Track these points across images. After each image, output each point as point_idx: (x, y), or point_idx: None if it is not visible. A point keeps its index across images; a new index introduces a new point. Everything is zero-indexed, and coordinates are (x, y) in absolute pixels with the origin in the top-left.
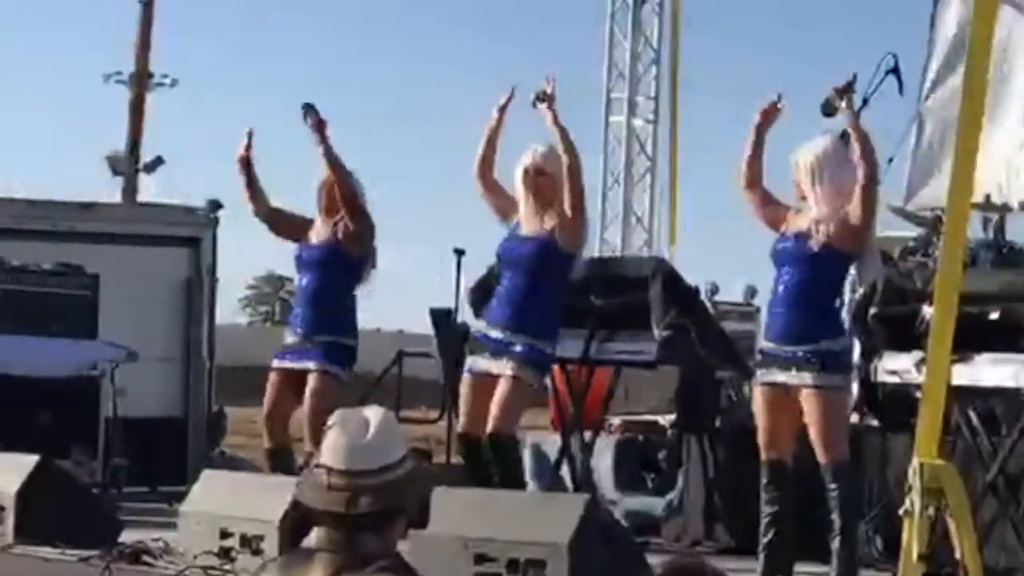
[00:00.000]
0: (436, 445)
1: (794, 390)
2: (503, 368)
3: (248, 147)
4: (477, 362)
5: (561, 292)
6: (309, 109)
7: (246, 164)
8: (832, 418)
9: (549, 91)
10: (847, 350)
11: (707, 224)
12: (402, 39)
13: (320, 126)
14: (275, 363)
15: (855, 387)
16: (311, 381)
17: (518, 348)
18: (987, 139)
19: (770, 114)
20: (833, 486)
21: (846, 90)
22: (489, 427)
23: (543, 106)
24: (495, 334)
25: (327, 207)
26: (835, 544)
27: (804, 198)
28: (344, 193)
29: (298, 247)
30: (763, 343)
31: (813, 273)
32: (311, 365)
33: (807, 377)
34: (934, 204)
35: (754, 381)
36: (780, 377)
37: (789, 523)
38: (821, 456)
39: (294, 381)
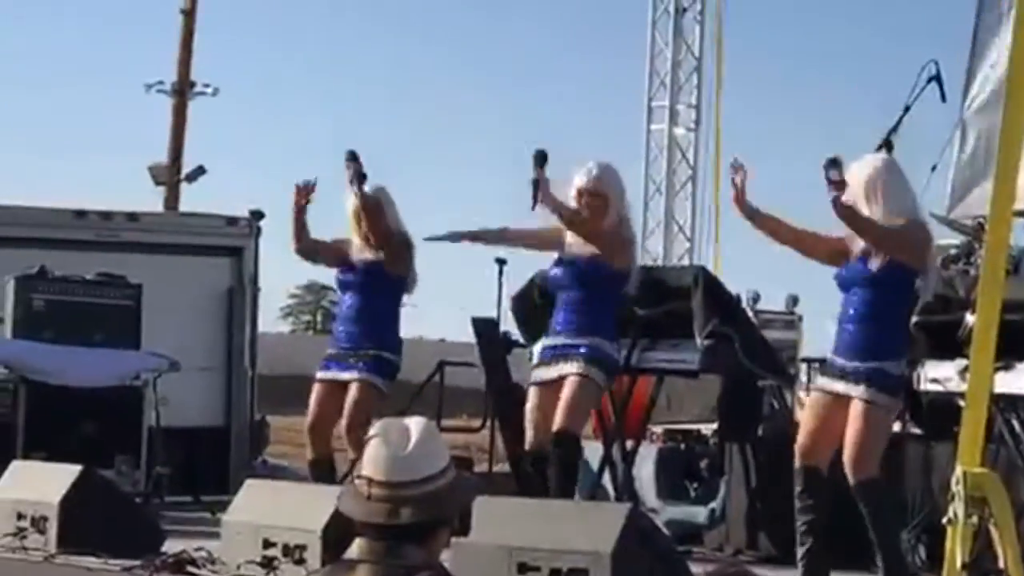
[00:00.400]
0: (477, 453)
1: (845, 400)
2: (568, 368)
3: (307, 200)
4: (539, 372)
5: (614, 301)
6: (352, 159)
7: (301, 212)
8: (872, 432)
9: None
10: (904, 378)
11: (749, 231)
12: (446, 46)
13: (358, 178)
14: (319, 374)
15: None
16: (352, 390)
17: (582, 348)
18: None
19: (739, 184)
20: (861, 503)
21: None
22: (555, 426)
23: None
24: (558, 341)
25: (360, 225)
26: (879, 560)
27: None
28: (376, 234)
29: (337, 273)
30: (829, 355)
31: (880, 293)
32: (354, 375)
33: (860, 390)
34: (977, 212)
35: (812, 386)
36: (837, 386)
37: (825, 531)
38: (849, 473)
39: (338, 392)
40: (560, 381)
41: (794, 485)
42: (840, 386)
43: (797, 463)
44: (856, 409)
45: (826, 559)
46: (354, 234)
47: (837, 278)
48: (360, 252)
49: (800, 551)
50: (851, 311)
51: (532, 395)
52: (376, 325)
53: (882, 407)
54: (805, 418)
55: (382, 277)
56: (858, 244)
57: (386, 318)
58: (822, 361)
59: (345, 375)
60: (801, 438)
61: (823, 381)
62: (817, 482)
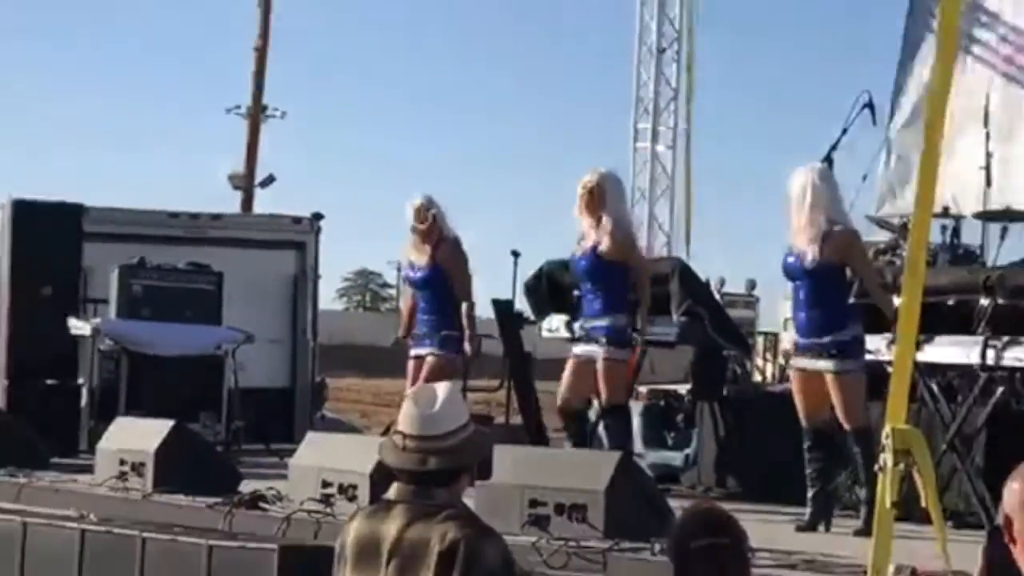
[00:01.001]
0: (496, 407)
1: (818, 374)
2: (596, 352)
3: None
4: (577, 346)
5: (624, 283)
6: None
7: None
8: (849, 394)
9: None
10: (858, 338)
11: (717, 229)
12: (471, 67)
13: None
14: (411, 351)
15: None
16: (426, 365)
17: (603, 331)
18: (946, 161)
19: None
20: (856, 448)
21: None
22: (604, 402)
23: None
24: (587, 324)
25: (422, 231)
26: (863, 494)
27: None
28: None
29: (408, 272)
30: (797, 339)
31: (817, 283)
32: (428, 350)
33: (827, 364)
34: (901, 213)
35: (791, 366)
36: (806, 364)
37: (830, 477)
38: (845, 425)
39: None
40: (590, 360)
41: (804, 442)
42: (811, 363)
43: (804, 425)
44: (831, 379)
45: (830, 498)
46: (412, 231)
47: (784, 270)
48: (421, 252)
49: (811, 492)
50: (800, 300)
51: (569, 363)
52: (441, 313)
53: (851, 370)
54: (796, 394)
55: (444, 275)
56: (798, 242)
57: (448, 306)
58: (794, 344)
59: (422, 351)
60: (799, 408)
61: (797, 362)
62: (822, 438)
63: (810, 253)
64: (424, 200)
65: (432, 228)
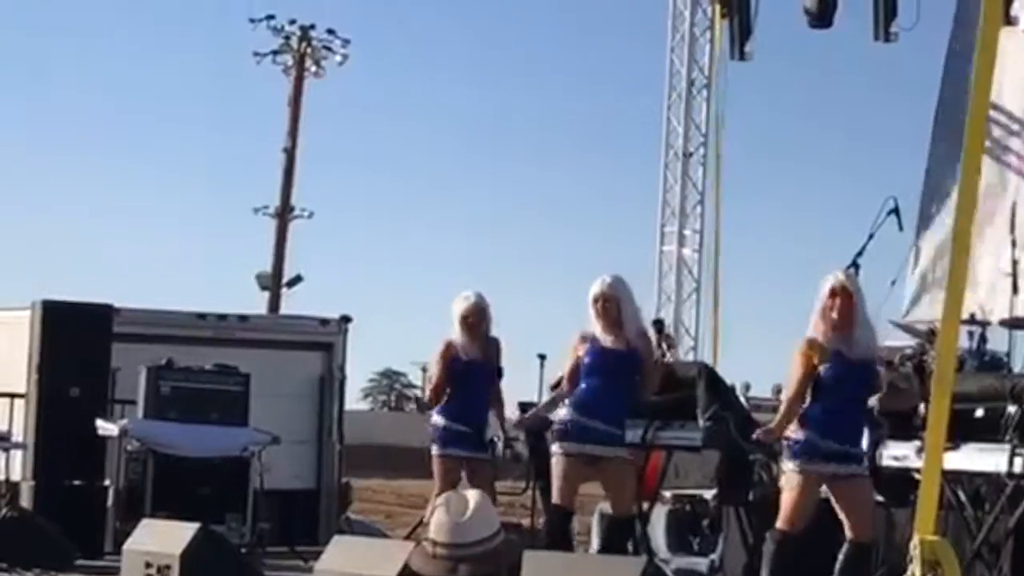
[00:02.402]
0: (520, 508)
1: (844, 478)
2: (618, 454)
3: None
4: (571, 446)
5: (634, 389)
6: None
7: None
8: (871, 503)
9: None
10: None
11: (742, 333)
12: (506, 174)
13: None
14: (450, 450)
15: None
16: (476, 469)
17: (628, 437)
18: (972, 268)
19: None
20: (856, 560)
21: None
22: (619, 512)
23: None
24: (605, 425)
25: (471, 328)
26: None
27: (831, 315)
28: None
29: (454, 362)
30: (816, 440)
31: (870, 389)
32: (474, 455)
33: (860, 468)
34: (927, 319)
35: (794, 467)
36: (838, 469)
37: None
38: (857, 536)
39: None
40: (596, 459)
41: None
42: (843, 467)
43: (788, 529)
44: (859, 483)
45: None
46: (462, 330)
47: (839, 378)
48: (470, 347)
49: None
50: (850, 406)
51: (564, 463)
52: (484, 411)
53: (869, 479)
54: (801, 498)
55: (487, 370)
56: (850, 350)
57: (487, 406)
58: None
59: (467, 453)
60: (796, 513)
61: (824, 467)
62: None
63: (876, 360)
64: (477, 297)
65: (482, 325)
